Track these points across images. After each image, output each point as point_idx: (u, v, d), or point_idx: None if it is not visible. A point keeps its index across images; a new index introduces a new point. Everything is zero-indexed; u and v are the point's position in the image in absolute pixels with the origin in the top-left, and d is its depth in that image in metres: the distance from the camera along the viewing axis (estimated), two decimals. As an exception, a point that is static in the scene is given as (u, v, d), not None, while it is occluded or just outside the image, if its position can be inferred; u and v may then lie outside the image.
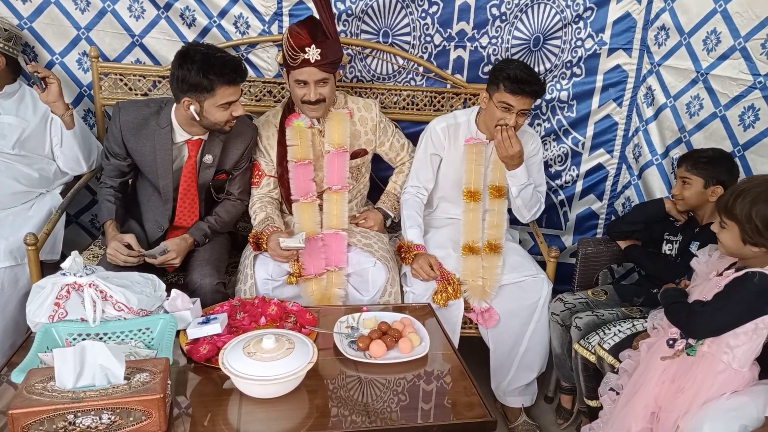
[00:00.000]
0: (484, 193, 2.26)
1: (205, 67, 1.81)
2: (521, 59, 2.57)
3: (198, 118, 1.92)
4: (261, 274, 2.03)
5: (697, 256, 1.75)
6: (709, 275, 1.61)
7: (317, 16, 2.02)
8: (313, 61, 1.96)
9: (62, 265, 1.51)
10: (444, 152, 2.27)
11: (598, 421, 1.75)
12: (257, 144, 2.19)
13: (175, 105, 1.97)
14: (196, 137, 2.03)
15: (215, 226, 2.12)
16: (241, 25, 2.46)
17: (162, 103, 2.03)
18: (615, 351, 1.81)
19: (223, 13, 2.43)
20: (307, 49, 1.95)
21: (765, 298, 1.46)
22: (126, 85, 2.44)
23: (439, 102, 2.59)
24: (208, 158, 2.06)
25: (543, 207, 2.33)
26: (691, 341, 1.55)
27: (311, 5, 2.42)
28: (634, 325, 1.87)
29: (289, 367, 1.34)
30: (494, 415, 1.38)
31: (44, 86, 2.12)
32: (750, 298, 1.47)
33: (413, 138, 2.42)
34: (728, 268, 1.57)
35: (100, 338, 1.49)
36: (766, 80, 2.03)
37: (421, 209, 2.27)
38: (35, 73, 2.11)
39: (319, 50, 1.96)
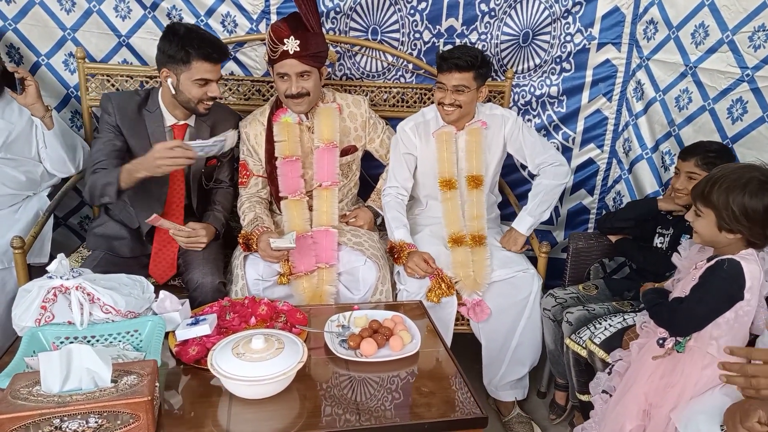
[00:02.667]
0: (460, 183, 2.25)
1: (185, 40, 1.89)
2: (510, 54, 2.57)
3: (174, 92, 1.96)
4: (251, 275, 2.02)
5: (679, 251, 1.75)
6: (689, 269, 1.61)
7: (297, 12, 2.01)
8: (291, 52, 1.96)
9: (48, 268, 1.49)
10: (417, 151, 2.28)
11: (591, 422, 1.75)
12: (245, 142, 2.18)
13: (161, 89, 2.02)
14: (181, 122, 2.07)
15: (225, 213, 2.19)
16: (229, 23, 2.44)
17: (148, 91, 2.09)
18: (606, 345, 1.81)
19: (210, 12, 2.42)
20: (285, 40, 1.95)
21: (738, 283, 1.46)
22: (113, 85, 2.42)
23: (429, 99, 2.58)
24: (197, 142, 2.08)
25: (566, 169, 2.29)
26: (679, 338, 1.55)
27: (299, 3, 2.41)
28: (624, 319, 1.88)
29: (278, 368, 1.33)
30: (485, 412, 1.37)
31: (22, 89, 2.10)
32: (723, 285, 1.47)
33: (403, 135, 2.41)
34: (704, 261, 1.58)
35: (88, 341, 1.47)
36: (753, 73, 2.03)
37: (403, 209, 2.27)
38: (15, 73, 2.09)
39: (298, 41, 1.95)
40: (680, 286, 1.61)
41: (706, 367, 1.50)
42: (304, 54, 1.97)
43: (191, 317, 1.62)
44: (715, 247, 1.55)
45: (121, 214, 2.12)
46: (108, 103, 2.03)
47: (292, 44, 1.95)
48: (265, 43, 2.42)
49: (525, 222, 2.22)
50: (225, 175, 2.23)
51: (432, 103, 2.30)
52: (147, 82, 2.43)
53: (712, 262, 1.52)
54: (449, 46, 2.53)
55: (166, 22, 2.41)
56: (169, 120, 2.06)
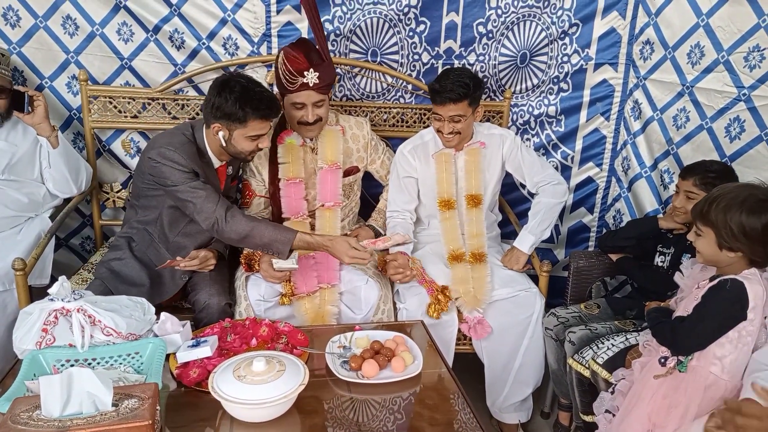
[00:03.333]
0: (460, 202, 2.27)
1: (242, 99, 1.84)
2: (508, 75, 2.60)
3: (224, 144, 1.94)
4: (253, 295, 2.02)
5: (681, 270, 1.75)
6: (692, 288, 1.61)
7: (307, 37, 2.04)
8: (311, 85, 1.99)
9: (50, 291, 1.49)
10: (417, 173, 2.30)
11: (594, 442, 1.73)
12: (248, 164, 2.20)
13: (206, 136, 1.98)
14: (224, 163, 2.07)
15: None
16: (230, 46, 2.47)
17: (190, 133, 1.98)
18: (609, 365, 1.80)
19: (212, 35, 2.45)
20: (305, 73, 1.97)
21: (740, 304, 1.46)
22: (115, 107, 2.44)
23: (428, 119, 2.60)
24: (230, 170, 2.12)
25: (565, 188, 2.33)
26: (681, 358, 1.55)
27: (299, 26, 2.45)
28: (627, 339, 1.87)
29: (279, 390, 1.32)
30: (489, 434, 1.36)
31: (30, 109, 2.12)
32: (725, 305, 1.48)
33: (403, 155, 2.42)
34: (707, 280, 1.58)
35: (89, 364, 1.47)
36: (750, 92, 2.05)
37: (405, 228, 2.28)
38: (26, 92, 2.11)
39: (318, 73, 1.98)
40: (683, 305, 1.60)
41: (709, 387, 1.49)
42: (322, 85, 2.01)
43: (192, 339, 1.61)
44: (718, 266, 1.56)
45: (147, 250, 2.04)
46: (176, 154, 1.87)
47: (312, 77, 1.98)
48: (267, 66, 2.47)
49: (527, 240, 2.23)
50: (233, 192, 2.26)
51: (430, 125, 2.32)
52: (149, 104, 2.45)
53: (715, 281, 1.52)
54: (448, 66, 2.56)
55: (168, 45, 2.44)
56: (216, 163, 2.04)
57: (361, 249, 1.85)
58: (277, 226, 1.91)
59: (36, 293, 2.05)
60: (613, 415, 1.69)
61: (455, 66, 2.27)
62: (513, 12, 2.47)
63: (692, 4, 2.22)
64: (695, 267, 1.68)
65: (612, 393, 1.73)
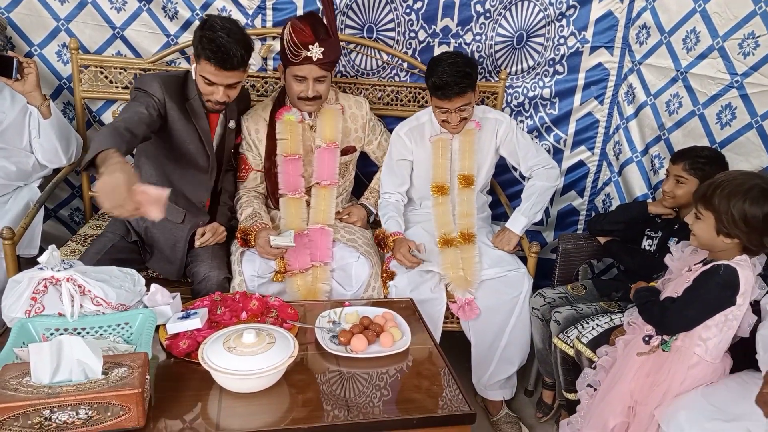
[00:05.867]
0: (452, 183, 2.28)
1: (203, 37, 1.85)
2: (504, 56, 2.58)
3: (194, 77, 1.95)
4: (248, 271, 2.02)
5: (671, 252, 1.78)
6: (681, 271, 1.63)
7: (302, 11, 2.01)
8: (315, 60, 1.96)
9: (39, 260, 1.48)
10: (413, 155, 2.29)
11: (576, 416, 1.77)
12: (246, 137, 2.18)
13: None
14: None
15: (230, 203, 2.20)
16: (224, 18, 2.43)
17: (185, 74, 2.01)
18: (593, 345, 1.83)
19: (205, 6, 2.41)
20: (310, 46, 1.95)
21: (732, 290, 1.49)
22: (106, 77, 2.40)
23: (423, 98, 2.59)
24: (232, 123, 2.11)
25: (557, 172, 2.35)
26: (665, 337, 1.58)
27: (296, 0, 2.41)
28: (612, 320, 1.90)
29: (269, 362, 1.34)
30: (474, 408, 1.39)
31: (19, 76, 2.08)
32: (717, 290, 1.50)
33: (397, 133, 2.42)
34: (698, 263, 1.60)
35: (78, 333, 1.47)
36: (742, 80, 2.06)
37: (398, 210, 2.30)
38: (15, 59, 2.07)
39: (323, 49, 1.96)
40: (672, 286, 1.63)
41: (692, 367, 1.53)
42: (326, 61, 1.98)
43: (182, 311, 1.62)
44: (711, 251, 1.58)
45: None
46: (154, 80, 1.90)
47: (316, 51, 1.95)
48: (261, 39, 2.44)
49: (519, 222, 2.25)
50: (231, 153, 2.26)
51: (429, 105, 2.30)
52: (140, 75, 2.41)
53: (708, 266, 1.54)
54: (443, 47, 2.54)
55: (161, 15, 2.41)
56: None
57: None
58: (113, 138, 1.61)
59: (24, 263, 2.04)
60: (595, 390, 1.72)
61: (445, 52, 2.19)
62: (511, -9, 2.45)
63: (690, -11, 2.21)
64: (686, 250, 1.70)
65: (594, 369, 1.76)
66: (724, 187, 1.49)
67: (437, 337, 2.12)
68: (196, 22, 2.41)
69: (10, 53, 2.13)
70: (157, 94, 1.89)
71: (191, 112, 1.97)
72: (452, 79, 2.05)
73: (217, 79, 1.88)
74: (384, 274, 2.12)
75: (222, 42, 1.82)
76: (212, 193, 2.16)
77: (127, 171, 1.38)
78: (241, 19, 2.43)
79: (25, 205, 2.20)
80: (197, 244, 2.03)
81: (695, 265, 1.59)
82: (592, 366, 1.79)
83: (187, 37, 2.43)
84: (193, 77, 1.94)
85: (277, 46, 2.39)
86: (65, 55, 2.44)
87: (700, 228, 1.55)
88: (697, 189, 1.59)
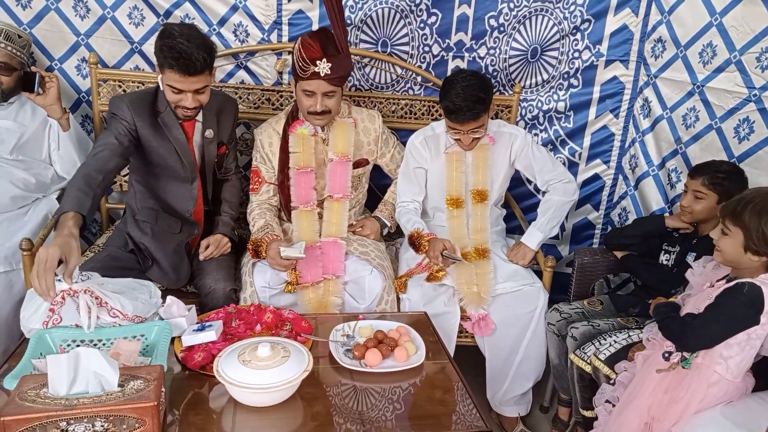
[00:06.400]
0: (466, 198, 2.28)
1: (163, 46, 1.84)
2: (518, 69, 2.59)
3: (161, 88, 1.94)
4: (259, 282, 2.03)
5: (692, 267, 1.75)
6: (703, 286, 1.61)
7: (317, 26, 2.03)
8: (322, 75, 1.97)
9: (57, 271, 1.50)
10: (427, 164, 2.29)
11: (594, 432, 1.75)
12: (259, 150, 2.20)
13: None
14: (188, 119, 2.03)
15: (232, 213, 2.19)
16: (241, 33, 2.47)
17: (156, 89, 2.02)
18: (610, 361, 1.81)
19: (222, 21, 2.44)
20: (318, 62, 1.96)
21: (756, 308, 1.46)
22: (124, 91, 2.44)
23: (437, 111, 2.60)
24: (209, 132, 2.09)
25: (575, 186, 2.31)
26: (686, 354, 1.55)
27: (310, 14, 2.44)
28: (629, 336, 1.87)
29: (283, 376, 1.33)
30: (489, 424, 1.37)
31: (41, 90, 2.12)
32: (740, 308, 1.47)
33: (411, 147, 2.42)
34: (721, 280, 1.57)
35: (95, 345, 1.48)
36: (760, 93, 2.04)
37: (417, 215, 2.28)
38: (37, 74, 2.11)
39: (330, 65, 1.97)
40: (692, 302, 1.60)
41: (713, 385, 1.50)
42: (334, 77, 1.99)
43: (197, 323, 1.62)
44: (735, 268, 1.55)
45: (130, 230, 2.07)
46: (122, 103, 1.94)
47: (323, 67, 1.96)
48: (276, 54, 2.47)
49: (535, 237, 2.23)
50: (231, 162, 2.24)
51: (442, 117, 2.30)
52: (112, 97, 2.43)
53: (732, 284, 1.51)
54: (457, 62, 2.55)
55: (179, 30, 2.44)
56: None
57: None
58: (75, 197, 1.66)
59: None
60: (613, 406, 1.70)
61: (460, 72, 2.16)
62: (525, 6, 2.46)
63: (706, 3, 2.20)
64: (708, 265, 1.67)
65: (613, 384, 1.74)
66: (755, 204, 1.46)
67: (451, 350, 2.10)
68: (214, 38, 2.45)
69: (33, 68, 2.17)
70: (126, 117, 1.92)
71: (164, 125, 1.98)
72: (465, 104, 2.04)
73: (183, 85, 1.86)
74: (399, 280, 2.10)
75: (182, 48, 1.80)
76: (206, 202, 2.16)
77: (63, 246, 1.47)
78: (257, 34, 2.46)
79: (44, 216, 2.23)
80: (201, 257, 2.03)
81: (718, 281, 1.56)
82: (611, 382, 1.76)
83: (204, 51, 2.46)
84: (161, 87, 1.94)
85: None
86: (84, 69, 2.49)
87: (726, 244, 1.52)
88: (726, 204, 1.56)
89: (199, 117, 2.07)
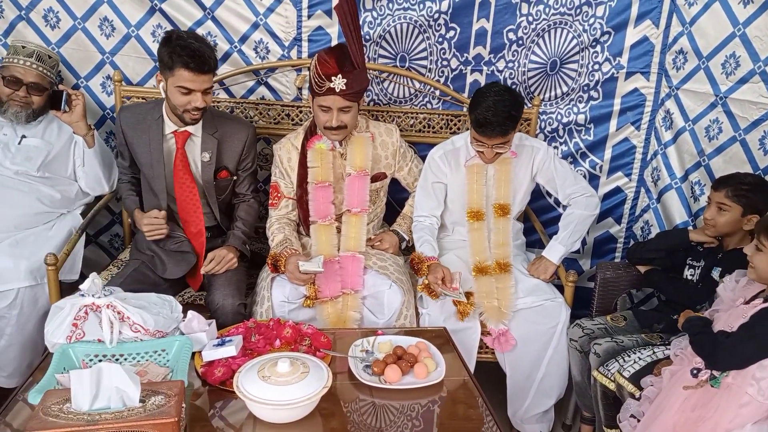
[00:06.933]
0: (488, 212, 2.26)
1: (172, 46, 1.90)
2: (537, 82, 2.58)
3: (164, 95, 2.01)
4: (278, 297, 2.03)
5: (718, 281, 1.71)
6: (735, 302, 1.57)
7: (336, 42, 2.04)
8: (338, 91, 1.99)
9: (81, 287, 1.52)
10: (447, 178, 2.28)
11: (618, 448, 1.71)
12: (278, 165, 2.22)
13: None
14: (182, 129, 2.08)
15: (246, 230, 2.20)
16: (261, 50, 2.50)
17: (160, 101, 2.10)
18: (635, 378, 1.77)
19: (243, 39, 2.48)
20: (333, 78, 1.98)
21: None
22: (147, 108, 2.48)
23: (455, 125, 2.60)
24: (205, 156, 2.11)
25: (597, 201, 2.29)
26: (715, 372, 1.51)
27: (330, 31, 2.47)
28: (654, 352, 1.83)
29: (303, 392, 1.33)
30: (511, 444, 1.35)
31: (67, 108, 2.17)
32: None
33: (429, 161, 2.42)
34: (755, 297, 1.53)
35: (117, 359, 1.49)
36: (787, 104, 2.00)
37: (432, 233, 2.27)
38: (64, 92, 2.16)
39: (345, 80, 1.98)
40: (724, 318, 1.56)
41: (743, 406, 1.45)
42: (349, 92, 2.00)
43: (217, 338, 1.63)
44: None
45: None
46: (119, 114, 2.12)
47: (339, 83, 1.98)
48: (296, 70, 2.50)
49: (556, 251, 2.21)
50: (245, 188, 2.25)
51: (461, 131, 2.30)
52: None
53: None
54: (476, 75, 2.55)
55: (200, 48, 2.48)
56: (170, 126, 2.08)
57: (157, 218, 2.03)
58: (132, 199, 2.20)
59: (65, 288, 2.10)
60: (638, 421, 1.65)
61: (492, 85, 2.13)
62: (544, 19, 2.46)
63: (728, 14, 2.18)
64: (741, 280, 1.63)
65: (639, 399, 1.70)
66: None
67: (471, 367, 2.08)
68: (235, 55, 2.49)
69: (60, 86, 2.23)
70: (118, 128, 2.12)
71: (148, 133, 2.08)
72: (496, 119, 2.01)
73: (195, 84, 1.93)
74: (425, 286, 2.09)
75: (196, 47, 1.91)
76: (212, 219, 2.21)
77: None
78: (278, 51, 2.49)
79: (68, 231, 2.27)
80: (203, 270, 2.04)
81: (753, 299, 1.52)
82: (637, 397, 1.72)
83: (226, 68, 2.50)
84: (163, 95, 2.01)
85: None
86: (109, 86, 2.54)
87: (761, 260, 1.48)
88: (762, 220, 1.53)
89: (197, 133, 2.10)
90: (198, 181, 2.13)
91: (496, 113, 2.00)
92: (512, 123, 2.05)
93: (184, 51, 1.88)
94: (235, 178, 2.21)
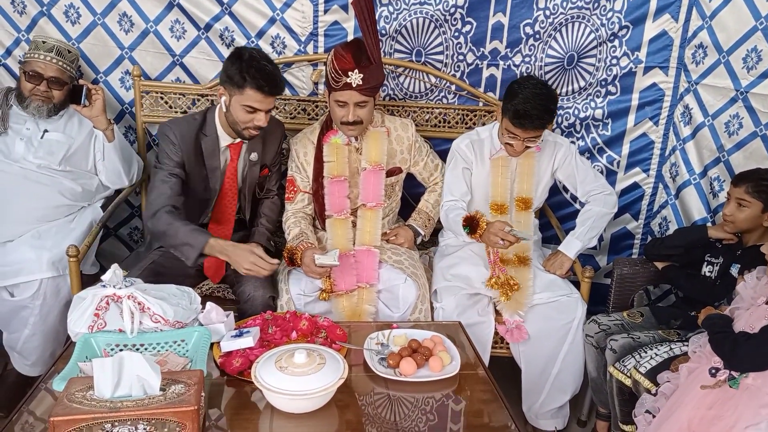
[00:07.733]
0: (510, 205, 2.25)
1: (245, 66, 1.93)
2: (554, 77, 2.56)
3: (225, 109, 2.03)
4: (294, 290, 2.05)
5: (737, 278, 1.70)
6: (756, 300, 1.55)
7: (353, 37, 2.05)
8: (354, 86, 2.00)
9: (102, 278, 1.55)
10: (473, 167, 2.28)
11: (633, 444, 1.70)
12: (294, 159, 2.24)
13: (217, 110, 2.09)
14: (237, 140, 2.12)
15: (269, 226, 2.24)
16: (278, 45, 2.52)
17: (204, 113, 2.14)
18: (651, 375, 1.76)
19: (260, 34, 2.50)
20: (350, 73, 1.98)
21: None
22: (166, 103, 2.51)
23: (471, 120, 2.59)
24: (254, 156, 2.17)
25: (615, 199, 2.31)
26: (734, 373, 1.49)
27: (346, 26, 2.47)
28: (671, 349, 1.82)
29: (320, 383, 1.35)
30: (526, 438, 1.35)
31: (87, 102, 2.20)
32: None
33: (444, 155, 2.42)
34: None
35: (137, 349, 1.52)
36: (810, 99, 1.97)
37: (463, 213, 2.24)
38: (84, 86, 2.20)
39: (362, 75, 1.99)
40: (745, 316, 1.54)
41: (763, 406, 1.43)
42: (365, 87, 2.01)
43: (235, 329, 1.65)
44: None
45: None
46: (170, 132, 2.04)
47: (355, 78, 1.99)
48: (312, 65, 2.51)
49: (573, 246, 2.20)
50: (273, 184, 2.30)
51: (486, 123, 2.29)
52: (198, 100, 2.52)
53: None
54: (492, 70, 2.54)
55: (218, 43, 2.51)
56: (225, 140, 2.12)
57: (264, 259, 1.86)
58: (194, 229, 1.93)
59: (86, 281, 2.13)
60: (654, 417, 1.65)
61: (529, 77, 2.12)
62: (561, 13, 2.44)
63: (750, 7, 2.15)
64: (763, 278, 1.61)
65: (655, 395, 1.69)
66: None
67: (485, 361, 2.08)
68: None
69: (80, 81, 2.26)
70: (174, 145, 2.04)
71: (204, 151, 2.09)
72: (536, 112, 2.00)
73: (263, 105, 1.98)
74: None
75: (269, 70, 1.95)
76: (241, 221, 2.25)
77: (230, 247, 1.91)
78: (294, 45, 2.51)
79: (88, 224, 2.30)
80: (243, 271, 1.94)
81: None
82: (653, 393, 1.71)
83: (243, 63, 2.52)
84: (224, 109, 2.02)
85: (328, 71, 2.45)
86: (128, 81, 2.57)
87: None
88: None
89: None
90: (238, 183, 2.17)
91: (535, 106, 2.00)
92: (549, 116, 2.05)
93: (259, 74, 1.92)
94: (270, 174, 2.27)
